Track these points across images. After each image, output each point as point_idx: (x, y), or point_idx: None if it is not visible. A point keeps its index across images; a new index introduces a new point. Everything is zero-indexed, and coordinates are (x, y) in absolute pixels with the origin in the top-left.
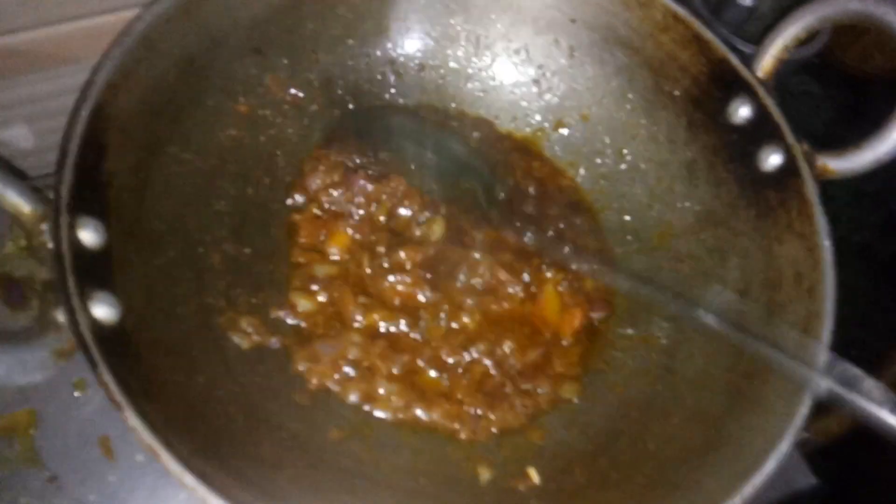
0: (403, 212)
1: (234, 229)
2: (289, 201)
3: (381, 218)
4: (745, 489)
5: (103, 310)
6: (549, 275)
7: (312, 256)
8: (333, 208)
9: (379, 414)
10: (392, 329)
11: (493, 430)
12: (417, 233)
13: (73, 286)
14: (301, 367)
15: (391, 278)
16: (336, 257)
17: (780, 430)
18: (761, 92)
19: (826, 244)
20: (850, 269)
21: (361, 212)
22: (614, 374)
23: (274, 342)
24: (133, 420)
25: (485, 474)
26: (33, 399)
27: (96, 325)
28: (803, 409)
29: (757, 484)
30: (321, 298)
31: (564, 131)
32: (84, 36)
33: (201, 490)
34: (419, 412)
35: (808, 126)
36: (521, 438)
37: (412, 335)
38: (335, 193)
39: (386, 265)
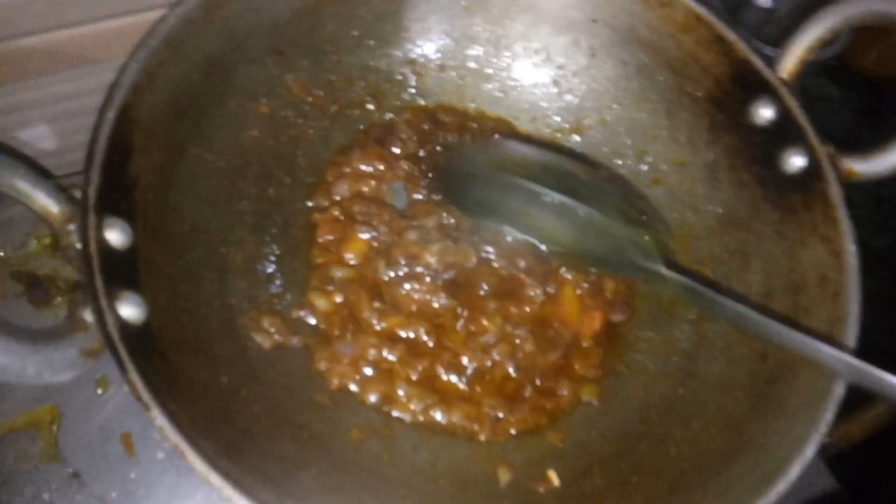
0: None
1: (256, 229)
2: (310, 203)
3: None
4: (770, 495)
5: (130, 309)
6: (568, 276)
7: (330, 257)
8: (359, 218)
9: (398, 415)
10: (410, 335)
11: (513, 431)
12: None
13: (100, 286)
14: (322, 367)
15: (407, 286)
16: (353, 261)
17: (804, 434)
18: (784, 93)
19: (851, 248)
20: (870, 274)
21: (385, 229)
22: (635, 377)
23: (295, 342)
24: (160, 419)
25: (504, 476)
26: (56, 396)
27: (123, 325)
28: (828, 414)
29: (781, 490)
30: (338, 299)
31: (584, 132)
32: (105, 37)
33: (227, 489)
34: (438, 414)
35: (827, 129)
36: (540, 440)
37: (430, 342)
38: (363, 209)
39: (402, 273)
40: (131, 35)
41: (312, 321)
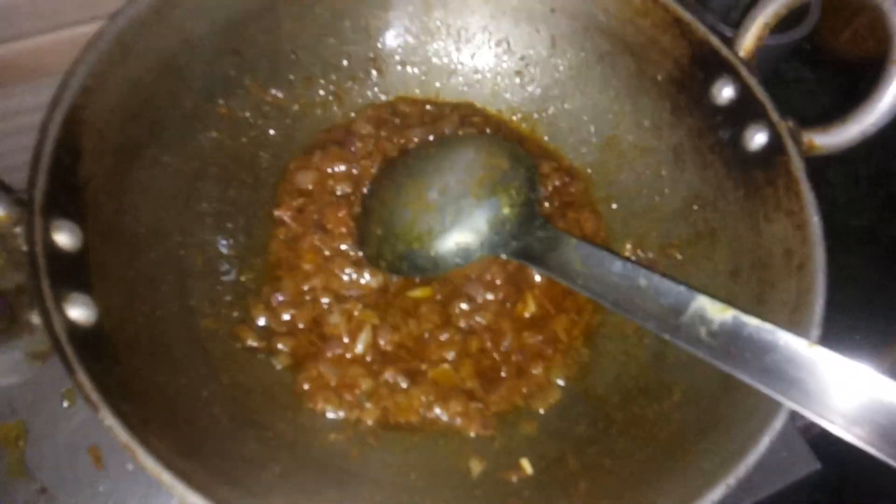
0: None
1: (217, 230)
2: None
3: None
4: (740, 469)
5: (79, 311)
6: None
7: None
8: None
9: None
10: (384, 340)
11: (492, 413)
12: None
13: (47, 288)
14: (305, 387)
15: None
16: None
17: (774, 408)
18: (744, 71)
19: (815, 219)
20: (850, 253)
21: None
22: (607, 360)
23: (261, 345)
24: (109, 419)
25: (476, 467)
26: (22, 410)
27: (72, 327)
28: None
29: (751, 463)
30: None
31: (549, 122)
32: (65, 47)
33: (179, 487)
34: (437, 411)
35: (803, 112)
36: (513, 430)
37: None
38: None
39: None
40: None
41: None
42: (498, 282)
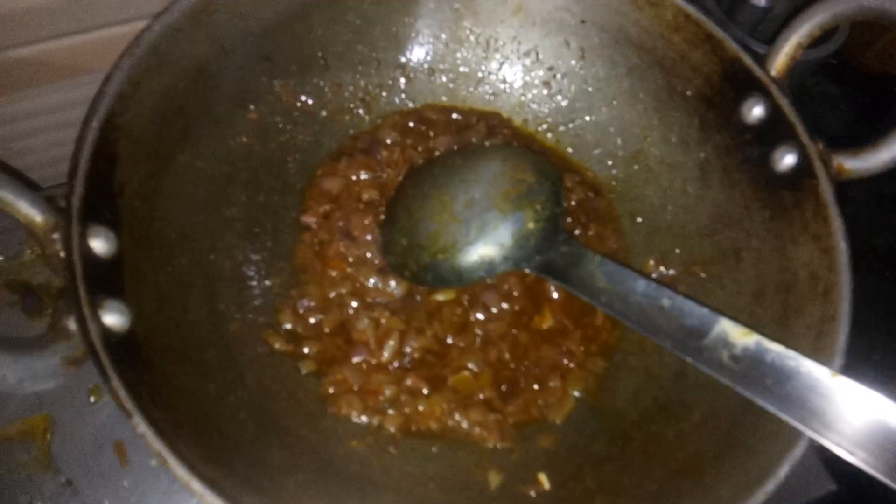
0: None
1: (245, 236)
2: (302, 217)
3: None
4: (758, 496)
5: (114, 317)
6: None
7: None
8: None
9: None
10: (410, 347)
11: (510, 423)
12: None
13: (83, 295)
14: (330, 390)
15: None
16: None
17: (795, 435)
18: (775, 91)
19: (842, 246)
20: (872, 273)
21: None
22: (627, 378)
23: (288, 349)
24: (142, 427)
25: (495, 480)
26: (49, 404)
27: (107, 333)
28: None
29: (770, 491)
30: (322, 315)
31: (576, 134)
32: (98, 47)
33: (208, 496)
34: (457, 417)
35: (828, 128)
36: (531, 443)
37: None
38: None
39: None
40: (123, 45)
41: (301, 330)
42: (516, 293)
